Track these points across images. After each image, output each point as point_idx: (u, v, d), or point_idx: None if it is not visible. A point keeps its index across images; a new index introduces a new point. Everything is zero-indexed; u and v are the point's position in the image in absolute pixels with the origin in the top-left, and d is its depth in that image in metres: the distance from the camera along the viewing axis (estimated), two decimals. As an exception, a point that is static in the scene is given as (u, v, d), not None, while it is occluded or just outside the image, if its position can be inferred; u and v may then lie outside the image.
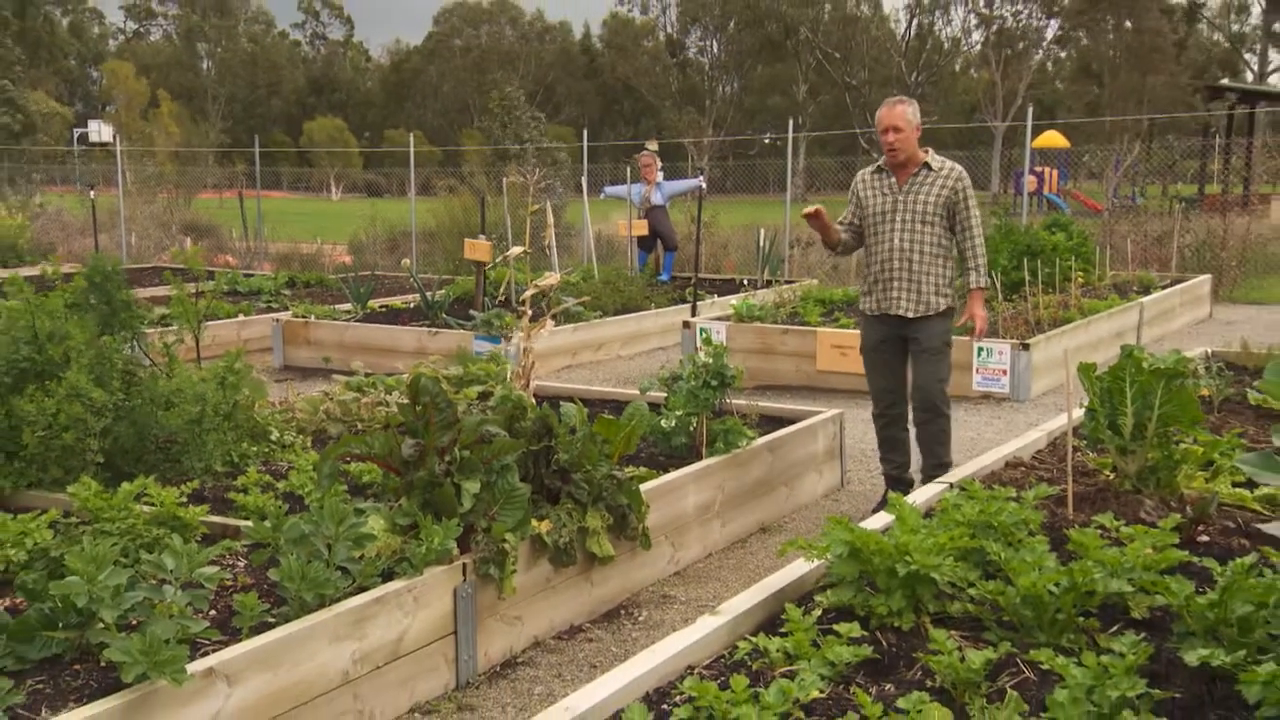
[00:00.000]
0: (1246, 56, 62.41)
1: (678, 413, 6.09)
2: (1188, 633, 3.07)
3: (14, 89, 38.16)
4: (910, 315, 6.12)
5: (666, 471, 5.70)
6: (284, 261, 19.55)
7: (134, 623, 3.56)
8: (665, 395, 6.33)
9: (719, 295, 13.94)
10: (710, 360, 6.07)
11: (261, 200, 25.04)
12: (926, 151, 6.23)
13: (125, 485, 4.72)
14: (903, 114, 6.06)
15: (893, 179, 6.22)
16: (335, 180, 57.95)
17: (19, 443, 5.16)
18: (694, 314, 12.08)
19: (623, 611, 5.15)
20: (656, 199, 15.21)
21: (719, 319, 11.22)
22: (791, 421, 6.84)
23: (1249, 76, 59.17)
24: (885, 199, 6.20)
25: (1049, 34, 62.71)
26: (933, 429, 6.23)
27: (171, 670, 3.31)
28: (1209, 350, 8.18)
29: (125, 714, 3.30)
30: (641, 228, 15.14)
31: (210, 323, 10.01)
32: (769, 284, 14.23)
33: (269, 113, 77.38)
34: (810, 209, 6.19)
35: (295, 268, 17.76)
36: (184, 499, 4.79)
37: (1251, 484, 4.57)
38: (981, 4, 62.79)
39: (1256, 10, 61.73)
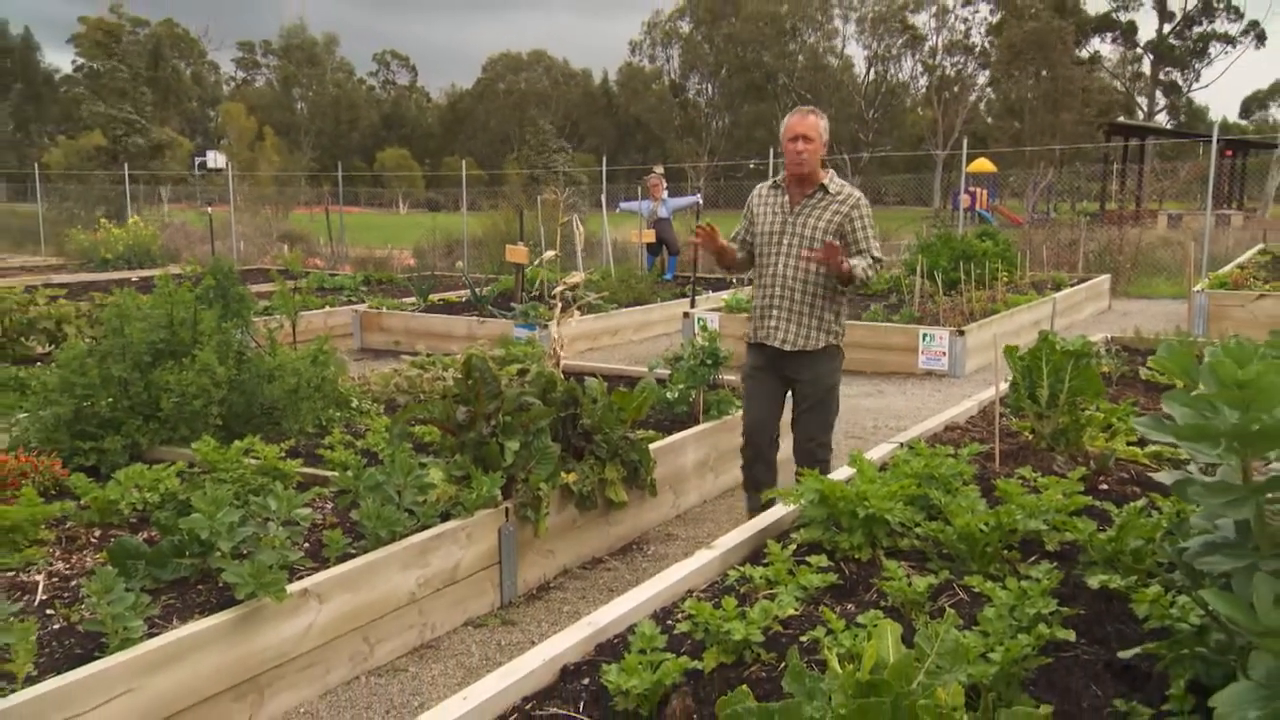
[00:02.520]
0: (1139, 100, 61.98)
1: (679, 386, 6.09)
2: (1091, 562, 3.07)
3: (144, 123, 38.19)
4: (787, 349, 4.77)
5: (670, 434, 5.69)
6: (361, 264, 19.55)
7: (245, 552, 3.58)
8: (669, 372, 6.32)
9: (713, 291, 13.91)
10: (706, 344, 6.07)
11: (343, 214, 25.04)
12: (827, 173, 4.79)
13: (237, 443, 4.75)
14: (815, 124, 4.69)
15: (786, 198, 4.81)
16: (402, 198, 57.82)
17: (157, 407, 5.19)
18: (693, 306, 12.05)
19: (635, 547, 5.16)
20: (662, 213, 15.20)
21: (713, 310, 11.21)
22: (771, 393, 6.84)
23: (1140, 116, 58.73)
24: (775, 219, 4.81)
25: (981, 80, 62.46)
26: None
27: (275, 590, 3.34)
28: (1109, 335, 8.16)
29: (239, 624, 3.32)
30: (650, 236, 15.15)
31: (304, 313, 10.03)
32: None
33: (349, 144, 77.07)
34: (698, 230, 4.86)
35: (370, 269, 17.76)
36: (283, 454, 4.82)
37: (1143, 442, 4.58)
38: (927, 56, 62.50)
39: (1147, 63, 61.40)
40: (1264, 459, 2.20)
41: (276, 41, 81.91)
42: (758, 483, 4.92)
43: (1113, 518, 3.22)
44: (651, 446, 5.23)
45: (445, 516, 4.18)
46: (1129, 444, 4.57)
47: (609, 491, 4.88)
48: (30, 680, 2.90)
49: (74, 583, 3.69)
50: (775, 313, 4.77)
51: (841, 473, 3.99)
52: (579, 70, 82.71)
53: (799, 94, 61.01)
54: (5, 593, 3.58)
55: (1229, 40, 58.93)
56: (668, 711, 2.38)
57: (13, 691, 2.81)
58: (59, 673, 2.93)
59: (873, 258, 4.68)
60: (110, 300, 5.58)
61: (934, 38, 62.20)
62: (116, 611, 3.12)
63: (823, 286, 4.72)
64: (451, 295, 13.28)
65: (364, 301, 12.66)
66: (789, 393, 4.98)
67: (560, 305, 7.12)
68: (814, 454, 4.75)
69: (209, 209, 21.93)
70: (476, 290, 12.31)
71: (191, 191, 35.51)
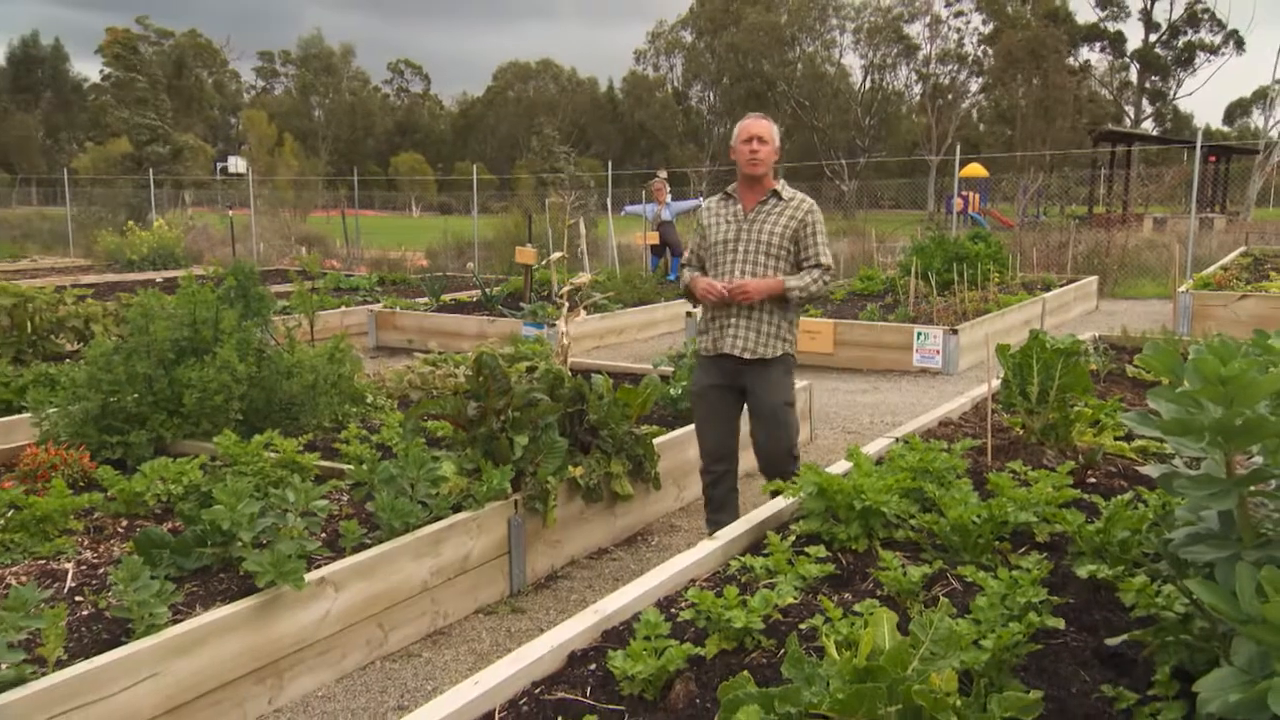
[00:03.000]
0: (1126, 108, 61.83)
1: (682, 383, 6.09)
2: (1079, 553, 3.07)
3: (165, 130, 38.29)
4: (746, 357, 4.44)
5: (674, 429, 5.70)
6: (376, 265, 19.56)
7: (265, 542, 3.58)
8: (672, 369, 6.33)
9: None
10: (708, 342, 6.06)
11: (359, 217, 25.06)
12: (778, 180, 4.61)
13: (257, 437, 4.76)
14: (768, 128, 4.46)
15: (738, 206, 4.53)
16: (415, 201, 57.86)
17: (180, 403, 5.19)
18: (695, 306, 12.02)
19: (639, 538, 5.16)
20: (666, 216, 15.19)
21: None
22: (771, 390, 6.83)
23: (1128, 122, 58.61)
24: (728, 227, 4.51)
25: (973, 88, 62.35)
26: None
27: (293, 578, 3.35)
28: (1097, 334, 8.14)
29: (260, 611, 3.33)
30: (654, 238, 15.15)
31: (321, 312, 10.03)
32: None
33: (365, 149, 77.09)
34: (718, 297, 4.44)
35: (385, 270, 17.76)
36: (301, 448, 4.82)
37: (1130, 437, 4.57)
38: (921, 65, 62.38)
39: (1134, 71, 61.25)
40: (1246, 453, 2.19)
41: (295, 51, 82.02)
42: (720, 504, 4.68)
43: (1100, 510, 3.21)
44: (655, 441, 5.23)
45: (457, 508, 4.18)
46: (1116, 439, 4.56)
47: (614, 485, 4.89)
48: (60, 664, 2.91)
49: (102, 571, 3.71)
50: (734, 320, 4.46)
51: (839, 466, 3.99)
52: (586, 78, 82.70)
53: (798, 101, 61.01)
54: (36, 580, 3.60)
55: (1211, 49, 58.80)
56: (672, 696, 2.38)
57: (44, 674, 2.82)
58: (88, 657, 2.94)
59: (819, 266, 4.46)
60: (136, 300, 5.58)
61: (928, 47, 62.09)
62: (142, 598, 3.14)
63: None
64: (463, 295, 13.28)
65: (379, 301, 12.67)
66: (744, 408, 4.66)
67: (567, 305, 7.13)
68: (785, 466, 4.38)
69: (230, 212, 21.99)
70: (487, 290, 12.32)
71: (213, 195, 35.57)
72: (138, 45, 43.45)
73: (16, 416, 5.90)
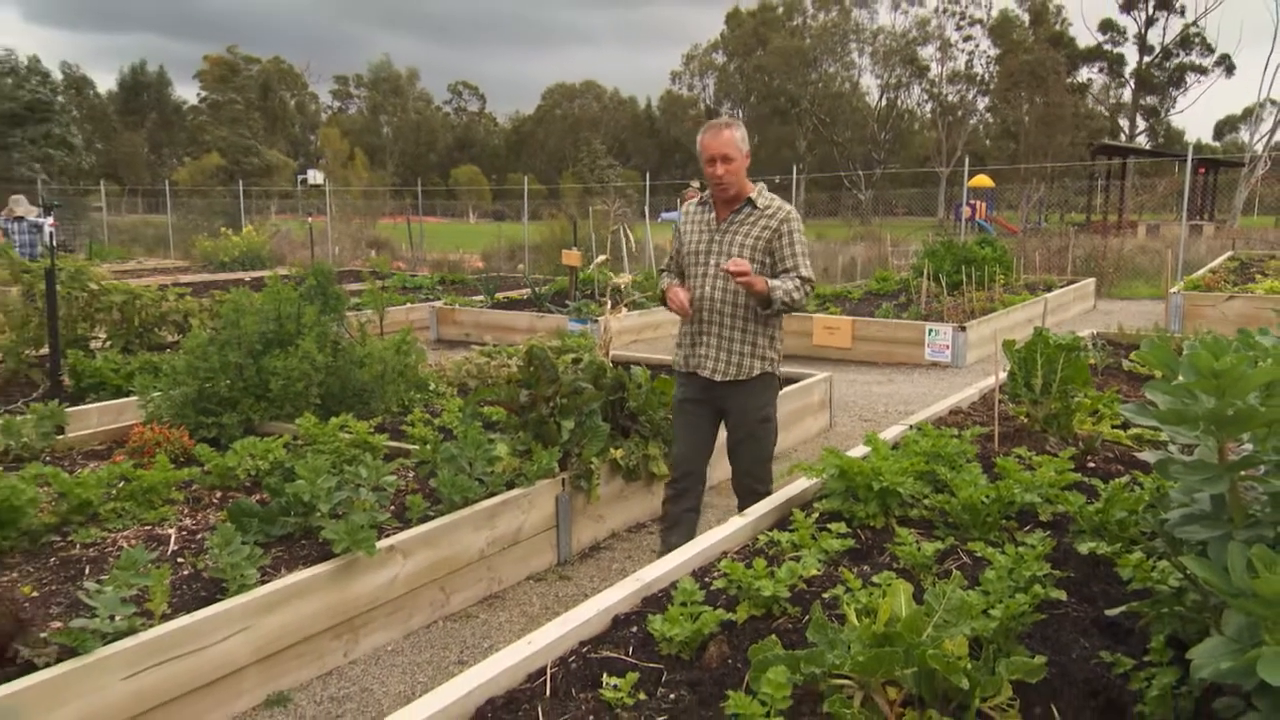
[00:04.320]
0: (1122, 123, 60.65)
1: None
2: (1080, 531, 3.02)
3: (256, 146, 38.91)
4: (719, 379, 3.83)
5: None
6: (437, 266, 19.70)
7: (340, 513, 3.63)
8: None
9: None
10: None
11: (422, 223, 25.23)
12: (756, 186, 3.85)
13: (333, 419, 4.81)
14: (731, 139, 3.69)
15: (712, 215, 3.85)
16: (472, 209, 58.06)
17: (266, 389, 5.26)
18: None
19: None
20: (698, 223, 15.13)
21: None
22: (794, 381, 6.79)
23: (1123, 137, 57.49)
24: (702, 237, 3.85)
25: (981, 105, 61.49)
26: (749, 504, 3.70)
27: (366, 545, 3.38)
28: (1095, 332, 8.00)
29: (336, 574, 3.37)
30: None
31: (389, 308, 10.11)
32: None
33: (427, 162, 77.46)
34: (682, 307, 3.83)
35: (445, 270, 17.89)
36: (372, 429, 4.86)
37: (1126, 426, 4.49)
38: (932, 84, 61.64)
39: (1128, 90, 60.12)
40: (1237, 440, 2.16)
41: (366, 75, 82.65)
42: (676, 520, 4.02)
43: (1100, 492, 3.16)
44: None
45: (510, 485, 4.20)
46: (1114, 427, 4.48)
47: (651, 465, 4.89)
48: (165, 617, 2.97)
49: (199, 536, 3.77)
50: (704, 339, 3.84)
51: (858, 450, 3.95)
52: (626, 98, 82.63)
53: (819, 118, 60.57)
54: (144, 543, 3.66)
55: (1202, 70, 57.48)
56: (706, 656, 2.38)
57: (152, 626, 2.88)
58: (188, 612, 3.00)
59: (801, 278, 3.73)
60: (228, 297, 5.66)
61: (939, 68, 61.33)
62: (235, 561, 3.19)
63: (754, 309, 3.76)
64: (514, 294, 13.33)
65: (440, 299, 12.75)
66: (721, 424, 4.05)
67: (609, 303, 7.13)
68: (753, 490, 3.88)
69: (309, 219, 22.22)
70: (536, 289, 12.36)
71: (294, 204, 35.97)
72: (235, 68, 44.07)
73: (125, 400, 6.01)
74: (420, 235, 23.19)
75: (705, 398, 3.92)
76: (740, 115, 68.39)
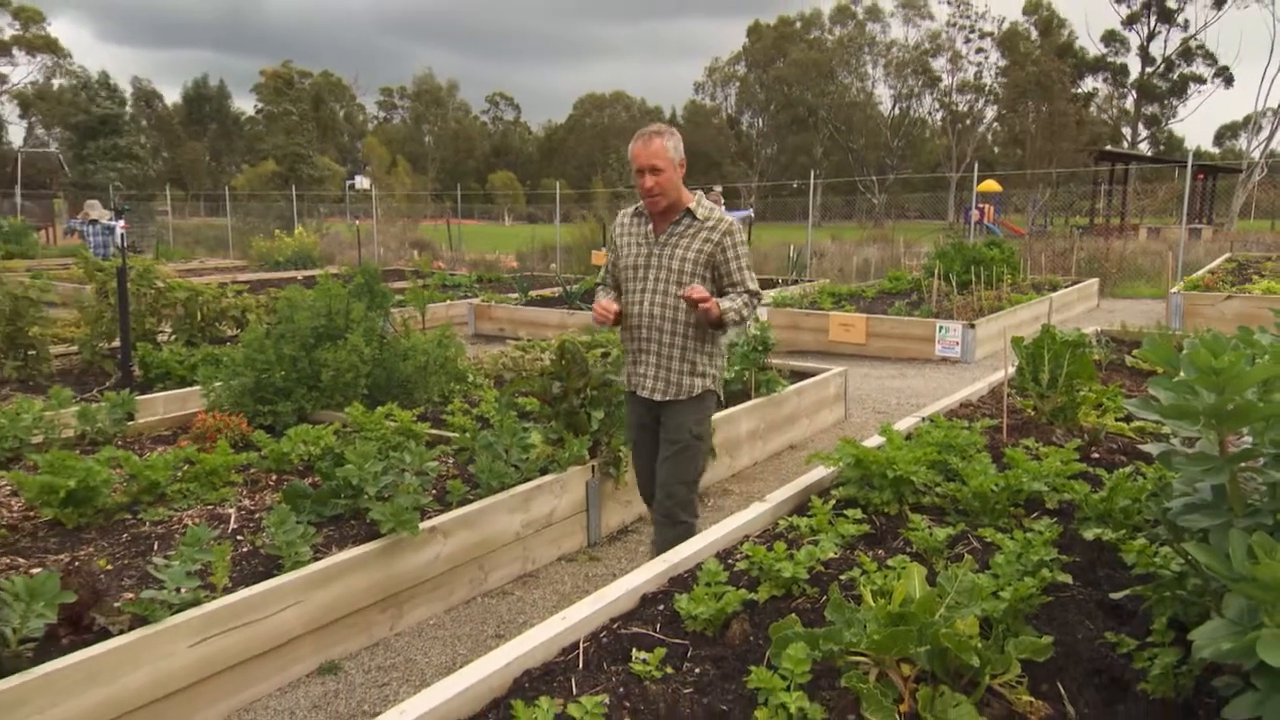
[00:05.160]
0: (1124, 130, 59.69)
1: (735, 368, 6.05)
2: (1085, 518, 3.00)
3: (310, 154, 39.30)
4: (658, 399, 3.46)
5: (727, 407, 5.66)
6: (475, 265, 19.74)
7: (386, 495, 3.65)
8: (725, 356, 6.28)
9: (762, 289, 13.74)
10: (757, 333, 6.01)
11: (461, 226, 25.35)
12: (694, 195, 3.46)
13: (379, 409, 4.84)
14: (661, 149, 3.29)
15: (649, 226, 3.44)
16: (507, 212, 58.23)
17: (317, 379, 5.31)
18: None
19: (697, 500, 5.13)
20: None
21: (762, 305, 11.09)
22: (811, 375, 6.76)
23: (1125, 144, 56.58)
24: (639, 251, 3.44)
25: (989, 114, 60.80)
26: (667, 535, 3.38)
27: (410, 526, 3.40)
28: (1099, 329, 7.89)
29: (383, 552, 3.40)
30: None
31: (430, 305, 10.17)
32: (796, 282, 14.02)
33: (465, 168, 77.67)
34: (604, 318, 3.43)
35: (482, 269, 17.93)
36: (415, 418, 4.88)
37: (1129, 419, 4.44)
38: (943, 94, 61.00)
39: (1130, 99, 59.07)
40: (1237, 433, 2.13)
41: (410, 87, 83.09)
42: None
43: (1104, 481, 3.13)
44: (711, 418, 5.19)
45: (543, 471, 4.21)
46: (1117, 420, 4.43)
47: (677, 453, 4.87)
48: (226, 590, 3.01)
49: (257, 516, 3.81)
50: (644, 357, 3.46)
51: (872, 441, 3.93)
52: (652, 107, 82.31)
53: (835, 126, 60.15)
54: (206, 521, 3.72)
55: (1201, 81, 56.45)
56: (729, 633, 2.38)
57: (214, 598, 2.92)
58: (247, 585, 3.04)
59: (748, 292, 3.41)
60: (282, 294, 5.71)
61: (949, 79, 60.64)
62: (289, 539, 3.22)
63: (694, 326, 3.40)
64: (547, 292, 13.34)
65: (477, 296, 12.79)
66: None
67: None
68: (672, 514, 3.42)
69: (356, 222, 22.38)
70: (567, 288, 12.37)
71: (343, 208, 36.28)
72: (290, 81, 44.45)
73: (189, 389, 6.09)
74: (459, 237, 23.29)
75: (648, 419, 3.56)
76: (760, 124, 68.13)
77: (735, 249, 3.38)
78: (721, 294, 3.40)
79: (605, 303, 3.41)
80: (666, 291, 3.36)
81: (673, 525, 3.39)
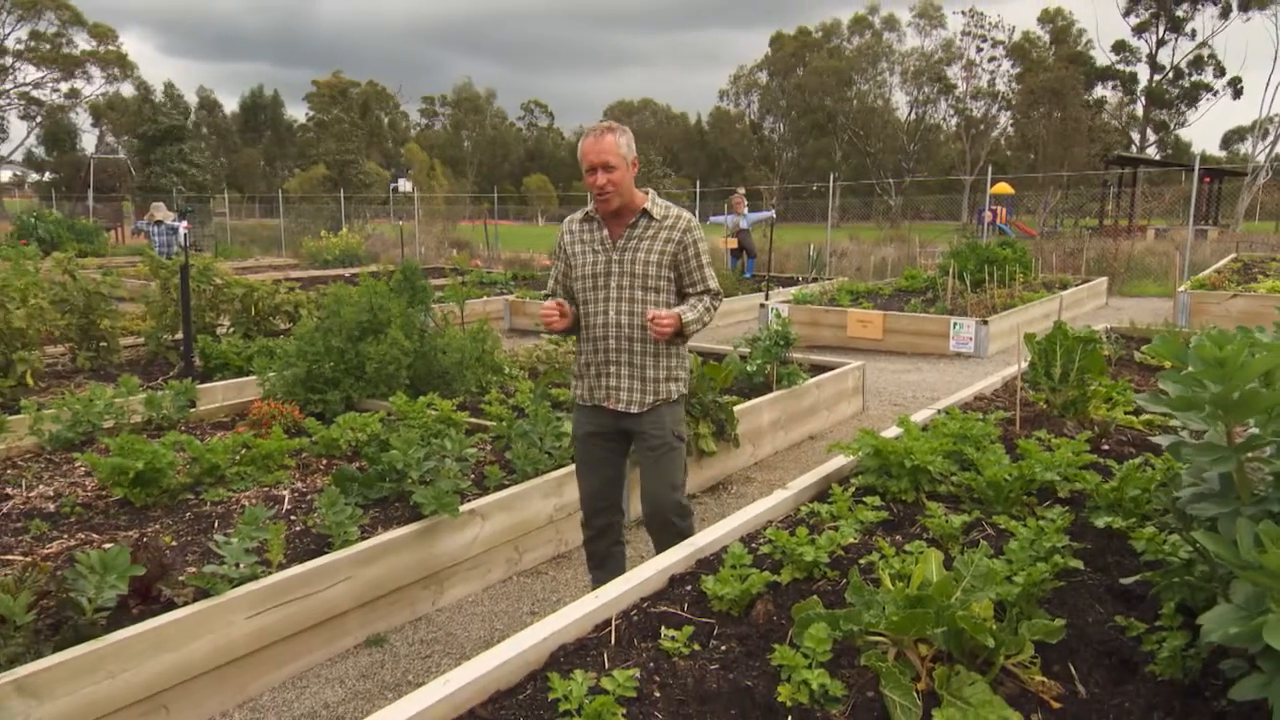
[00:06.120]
0: (1134, 135, 58.52)
1: (758, 361, 6.03)
2: (1096, 507, 2.95)
3: (358, 160, 39.67)
4: (634, 410, 3.08)
5: (750, 398, 5.65)
6: (510, 263, 19.79)
7: (428, 480, 3.68)
8: (749, 350, 6.26)
9: (783, 287, 13.68)
10: (778, 329, 5.99)
11: (497, 226, 25.44)
12: (647, 194, 3.09)
13: (421, 398, 4.87)
14: (612, 146, 2.96)
15: (604, 232, 3.06)
16: (541, 213, 58.37)
17: (363, 370, 5.36)
18: (767, 299, 11.87)
19: (721, 487, 5.14)
20: (743, 224, 15.01)
21: (784, 302, 11.03)
22: (830, 369, 6.72)
23: (1134, 149, 55.50)
24: (597, 258, 3.05)
25: (1002, 120, 59.92)
26: (668, 545, 2.92)
27: (450, 509, 3.43)
28: (1108, 326, 7.76)
29: (425, 533, 3.43)
30: (733, 243, 14.99)
31: (468, 301, 10.21)
32: (815, 280, 13.93)
33: (501, 172, 77.84)
34: (550, 322, 3.04)
35: (517, 267, 17.99)
36: (454, 407, 4.92)
37: (1138, 412, 4.37)
38: (958, 100, 60.19)
39: (1140, 106, 57.86)
40: (1243, 424, 2.09)
41: (450, 95, 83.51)
42: (601, 560, 3.38)
43: (1114, 472, 3.08)
44: (735, 409, 5.19)
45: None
46: (1126, 413, 4.36)
47: (701, 443, 4.87)
48: (281, 566, 3.05)
49: (309, 497, 3.86)
50: (614, 369, 3.07)
51: (891, 431, 3.90)
52: (679, 113, 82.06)
53: (854, 131, 59.60)
54: (262, 502, 3.77)
55: (1211, 90, 55.15)
56: (754, 613, 2.37)
57: (270, 573, 2.97)
58: (300, 562, 3.08)
59: (709, 293, 3.10)
60: (330, 290, 5.77)
61: (964, 86, 59.82)
62: (339, 519, 3.26)
63: None
64: (579, 289, 13.34)
65: (512, 293, 12.85)
66: (630, 449, 3.26)
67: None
68: (670, 524, 3.12)
69: (400, 223, 22.51)
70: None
71: (387, 210, 36.57)
72: (343, 90, 44.84)
73: (245, 379, 6.18)
74: (495, 236, 23.37)
75: (614, 430, 3.17)
76: (782, 129, 67.65)
77: (696, 245, 3.08)
78: (682, 294, 3.10)
79: (551, 303, 3.04)
80: (633, 299, 3.01)
81: (671, 534, 3.08)
